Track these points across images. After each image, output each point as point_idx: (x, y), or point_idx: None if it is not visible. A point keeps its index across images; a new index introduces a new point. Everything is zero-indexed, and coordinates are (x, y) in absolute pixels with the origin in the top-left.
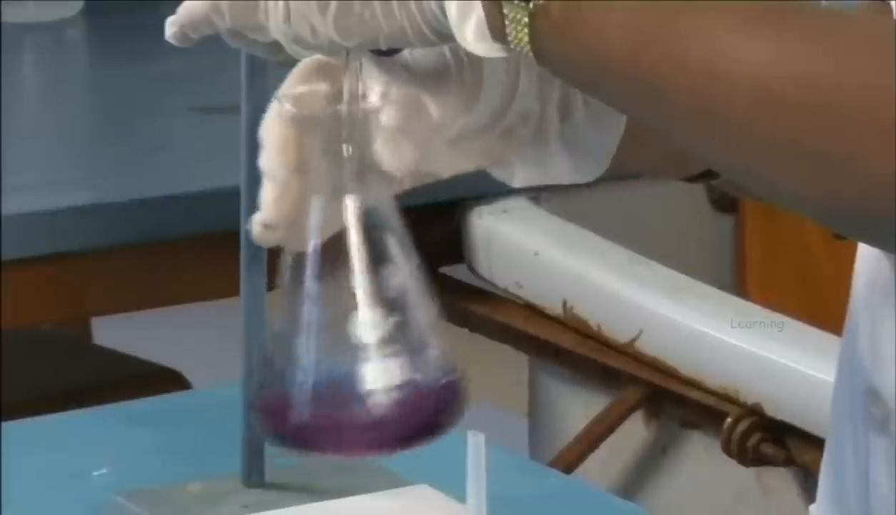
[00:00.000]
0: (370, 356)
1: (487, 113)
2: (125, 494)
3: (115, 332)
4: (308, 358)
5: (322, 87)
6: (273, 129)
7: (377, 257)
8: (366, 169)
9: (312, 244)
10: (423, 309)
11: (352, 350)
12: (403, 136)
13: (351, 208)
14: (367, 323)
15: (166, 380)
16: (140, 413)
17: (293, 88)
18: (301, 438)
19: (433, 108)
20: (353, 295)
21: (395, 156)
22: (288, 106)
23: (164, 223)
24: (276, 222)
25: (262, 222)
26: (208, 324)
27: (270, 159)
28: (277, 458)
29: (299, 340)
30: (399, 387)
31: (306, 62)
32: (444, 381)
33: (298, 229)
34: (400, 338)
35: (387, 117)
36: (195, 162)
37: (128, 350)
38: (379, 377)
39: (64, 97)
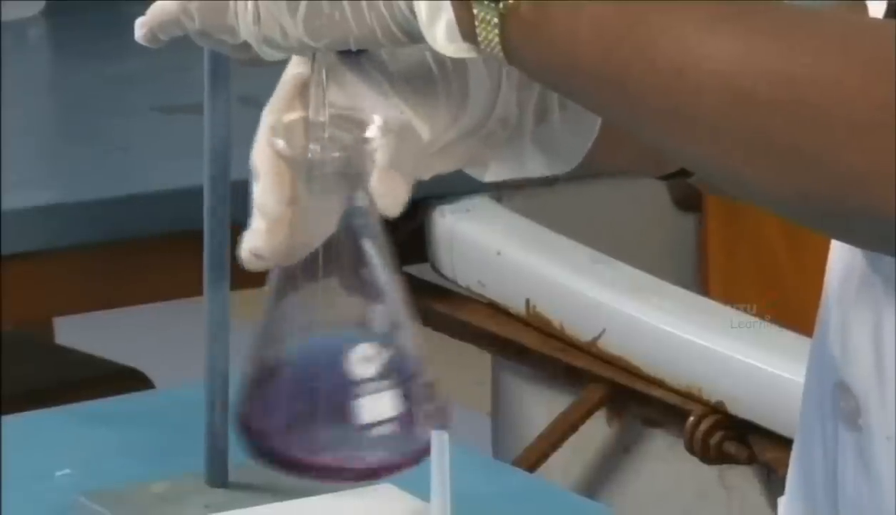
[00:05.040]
0: (357, 381)
1: (473, 120)
2: (88, 494)
3: (77, 332)
4: (293, 379)
5: (307, 113)
6: (265, 161)
7: (364, 278)
8: (355, 186)
9: (300, 262)
10: (410, 333)
11: (338, 374)
12: (397, 173)
13: (334, 225)
14: (361, 353)
15: (129, 380)
16: (103, 413)
17: (280, 116)
18: (282, 460)
19: (425, 129)
20: (339, 315)
21: (389, 195)
22: (281, 142)
23: (126, 223)
24: (267, 253)
25: (252, 250)
26: (171, 324)
27: (264, 194)
28: (241, 458)
29: (285, 359)
30: (393, 416)
31: (289, 83)
32: (430, 405)
33: (286, 253)
34: (393, 365)
35: (382, 155)
36: (158, 162)
37: (90, 350)
38: (373, 406)
39: (25, 97)
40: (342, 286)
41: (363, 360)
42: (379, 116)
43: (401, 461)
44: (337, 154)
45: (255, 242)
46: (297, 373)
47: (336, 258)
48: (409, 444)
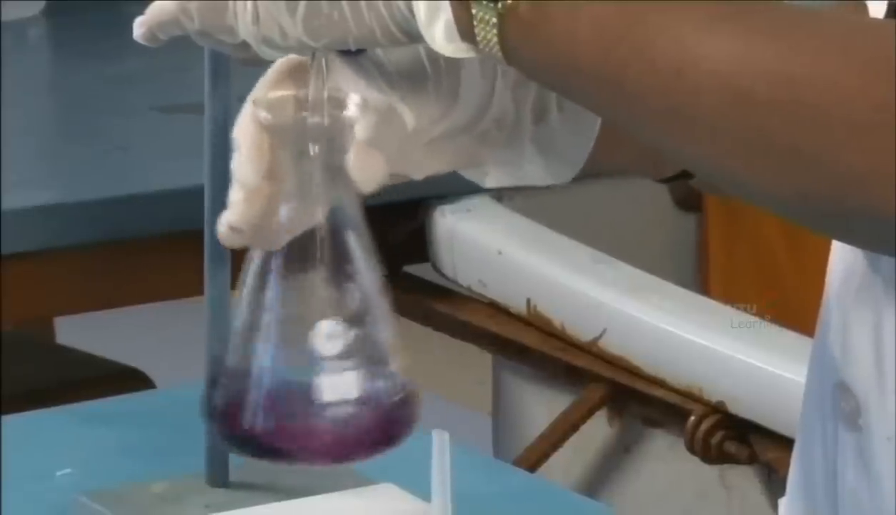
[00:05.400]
0: (329, 364)
1: (464, 117)
2: (89, 494)
3: (78, 331)
4: (266, 364)
5: (295, 92)
6: (246, 133)
7: (341, 264)
8: (337, 173)
9: (277, 248)
10: (383, 317)
11: (311, 358)
12: (375, 150)
13: (318, 212)
14: (327, 331)
15: (130, 380)
16: (104, 413)
17: (267, 92)
18: (255, 444)
19: (409, 116)
20: (315, 301)
21: (365, 171)
22: (263, 112)
23: (126, 223)
24: (243, 225)
25: (228, 223)
26: (172, 324)
27: (242, 164)
28: (241, 458)
29: (258, 344)
30: (357, 397)
31: (279, 66)
32: (401, 389)
33: (265, 232)
34: (360, 347)
35: (361, 130)
36: (158, 161)
37: (90, 350)
38: (337, 386)
39: (25, 97)
40: (318, 277)
41: (330, 343)
42: (362, 98)
43: (372, 445)
44: (318, 119)
45: (232, 214)
46: (264, 358)
47: (313, 248)
48: (380, 428)
